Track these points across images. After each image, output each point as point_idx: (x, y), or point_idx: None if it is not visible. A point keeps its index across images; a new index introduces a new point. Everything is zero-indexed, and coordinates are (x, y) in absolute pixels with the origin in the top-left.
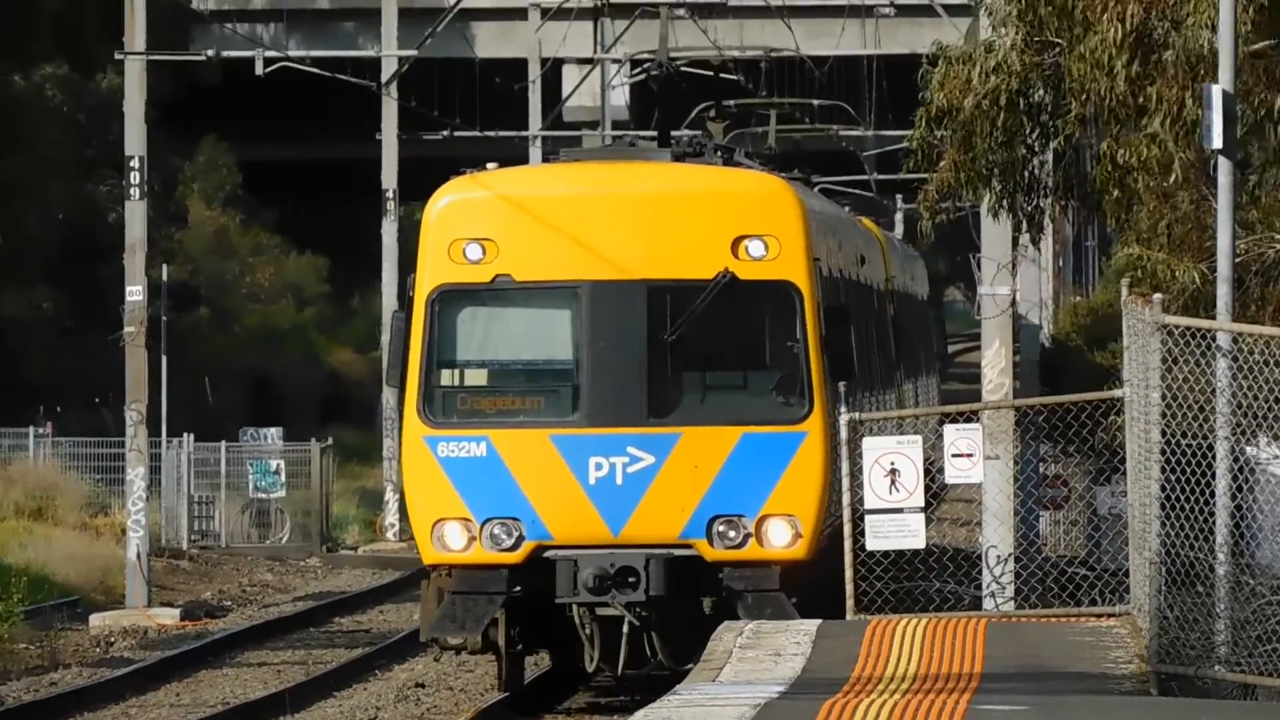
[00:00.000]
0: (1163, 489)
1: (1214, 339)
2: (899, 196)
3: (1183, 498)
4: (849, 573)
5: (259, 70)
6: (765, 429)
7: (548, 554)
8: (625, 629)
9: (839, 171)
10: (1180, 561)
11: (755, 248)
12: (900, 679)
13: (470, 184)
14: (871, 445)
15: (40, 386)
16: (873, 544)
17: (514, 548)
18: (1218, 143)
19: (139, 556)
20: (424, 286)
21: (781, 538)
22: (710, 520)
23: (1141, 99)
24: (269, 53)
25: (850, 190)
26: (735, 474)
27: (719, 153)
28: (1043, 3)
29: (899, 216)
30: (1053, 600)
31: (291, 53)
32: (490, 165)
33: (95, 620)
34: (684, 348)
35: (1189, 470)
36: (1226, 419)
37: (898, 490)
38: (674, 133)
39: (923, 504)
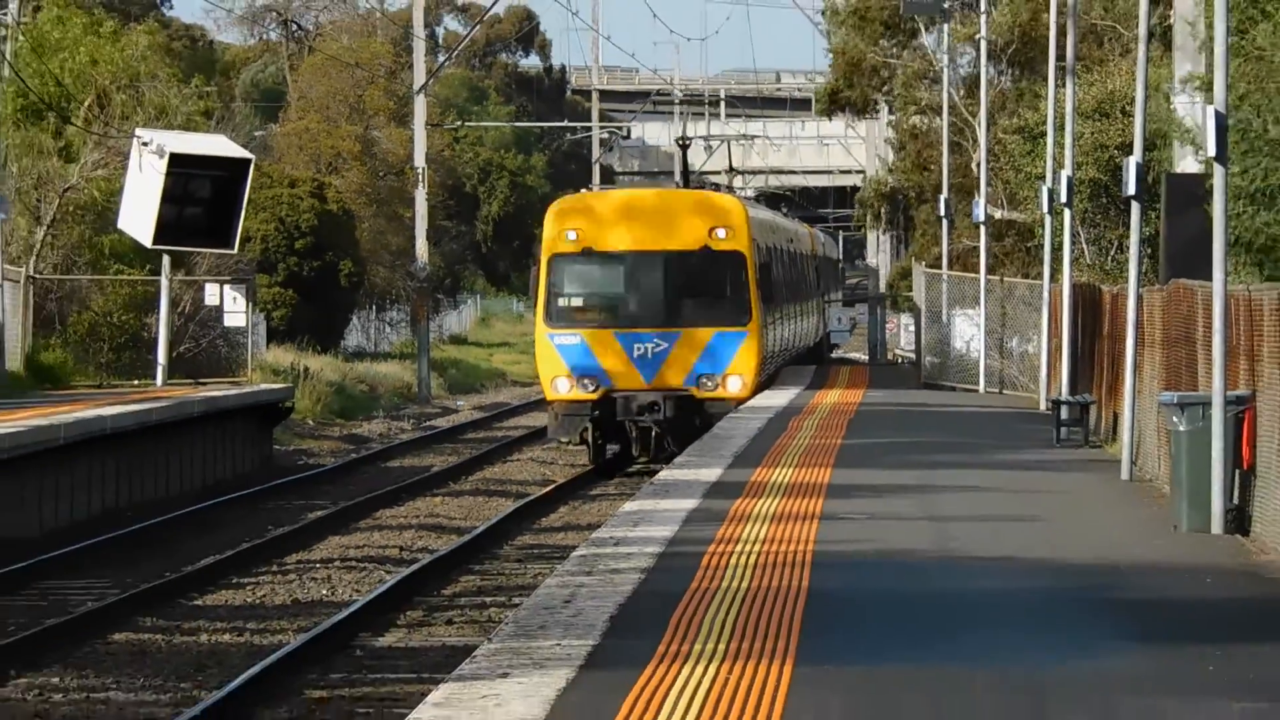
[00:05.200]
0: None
1: (944, 277)
2: (841, 231)
3: (932, 329)
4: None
5: None
6: (726, 329)
7: (612, 394)
8: (654, 434)
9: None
10: (930, 348)
11: (720, 233)
12: (831, 403)
13: (572, 200)
14: (833, 310)
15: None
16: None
17: (594, 391)
18: (943, 210)
19: None
20: (545, 253)
21: (735, 386)
22: (698, 376)
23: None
24: None
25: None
26: (711, 353)
27: (709, 187)
28: (895, 159)
29: (840, 237)
30: (893, 362)
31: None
32: (593, 186)
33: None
34: (683, 286)
35: (935, 320)
36: (945, 303)
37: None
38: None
39: (849, 331)
